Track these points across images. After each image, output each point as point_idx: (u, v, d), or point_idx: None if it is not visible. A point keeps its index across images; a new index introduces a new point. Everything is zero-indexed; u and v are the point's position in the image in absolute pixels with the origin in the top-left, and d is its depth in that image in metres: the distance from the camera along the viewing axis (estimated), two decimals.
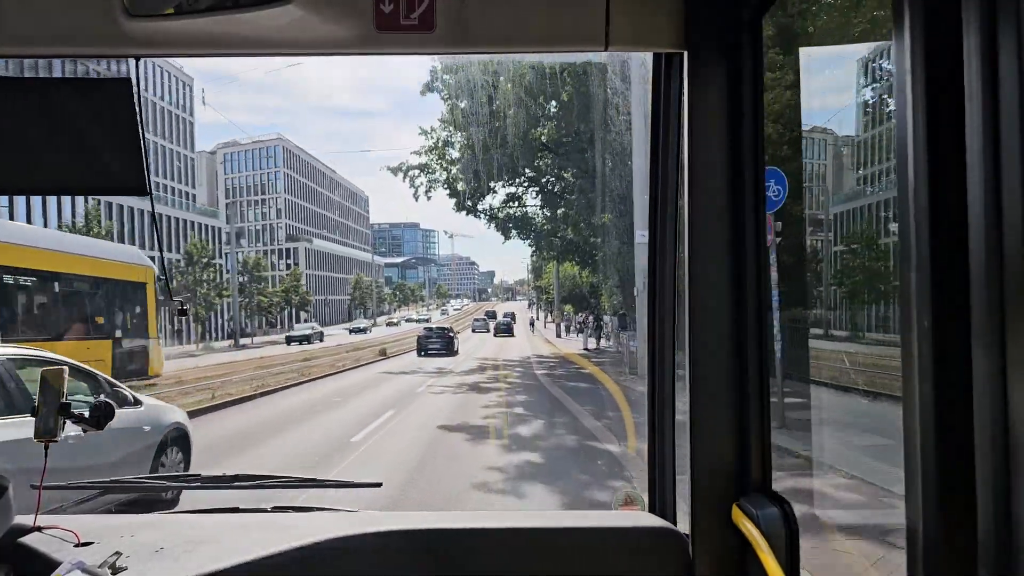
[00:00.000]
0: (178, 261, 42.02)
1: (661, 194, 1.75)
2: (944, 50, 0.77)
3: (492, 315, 68.74)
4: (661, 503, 1.80)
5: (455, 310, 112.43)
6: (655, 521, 1.72)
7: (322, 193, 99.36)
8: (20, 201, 34.11)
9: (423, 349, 27.14)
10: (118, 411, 3.45)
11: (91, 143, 1.41)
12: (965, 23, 0.72)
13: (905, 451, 0.85)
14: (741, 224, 1.47)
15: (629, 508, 1.98)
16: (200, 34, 1.40)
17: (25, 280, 11.81)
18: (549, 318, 64.22)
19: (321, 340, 41.16)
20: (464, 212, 25.45)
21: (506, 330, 48.63)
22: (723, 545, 1.51)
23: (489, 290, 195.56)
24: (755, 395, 1.48)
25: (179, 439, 6.36)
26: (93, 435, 4.09)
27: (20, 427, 4.31)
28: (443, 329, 30.44)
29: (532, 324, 57.79)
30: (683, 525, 1.63)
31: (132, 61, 1.47)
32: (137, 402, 5.91)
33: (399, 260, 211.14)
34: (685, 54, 1.49)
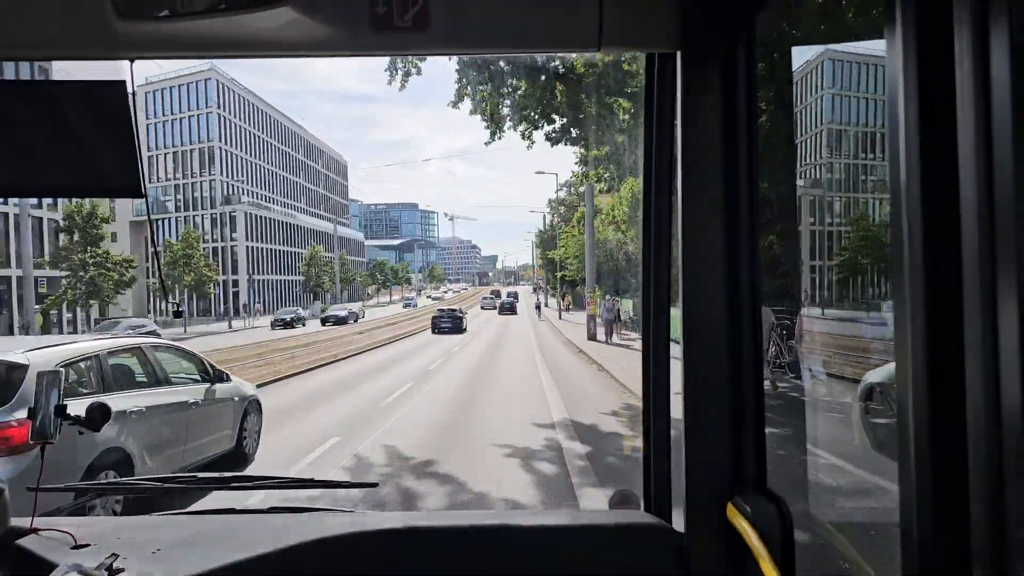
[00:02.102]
0: None
1: (655, 193, 1.76)
2: (936, 49, 0.82)
3: (497, 294, 75.82)
4: (656, 501, 1.82)
5: (432, 298, 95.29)
6: (650, 519, 1.75)
7: (278, 148, 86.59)
8: None
9: (436, 328, 34.15)
10: (219, 385, 8.24)
11: (86, 145, 1.43)
12: (957, 22, 0.78)
13: (899, 449, 0.89)
14: (735, 223, 1.50)
15: (624, 506, 1.98)
16: (194, 36, 1.44)
17: None
18: (563, 304, 54.55)
19: None
20: None
21: (510, 308, 55.71)
22: (718, 543, 1.53)
23: (491, 274, 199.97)
24: (750, 393, 1.51)
25: (255, 408, 8.59)
26: (213, 401, 7.75)
27: (146, 398, 6.67)
28: (453, 310, 37.60)
29: (539, 308, 51.97)
30: (678, 523, 1.65)
31: (126, 63, 1.50)
32: (229, 379, 8.08)
33: (396, 242, 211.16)
34: (679, 54, 1.53)
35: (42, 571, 1.44)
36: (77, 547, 1.62)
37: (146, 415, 6.36)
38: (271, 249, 69.62)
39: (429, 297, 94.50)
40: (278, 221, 71.09)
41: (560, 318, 45.69)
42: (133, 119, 1.35)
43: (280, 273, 70.89)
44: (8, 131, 1.37)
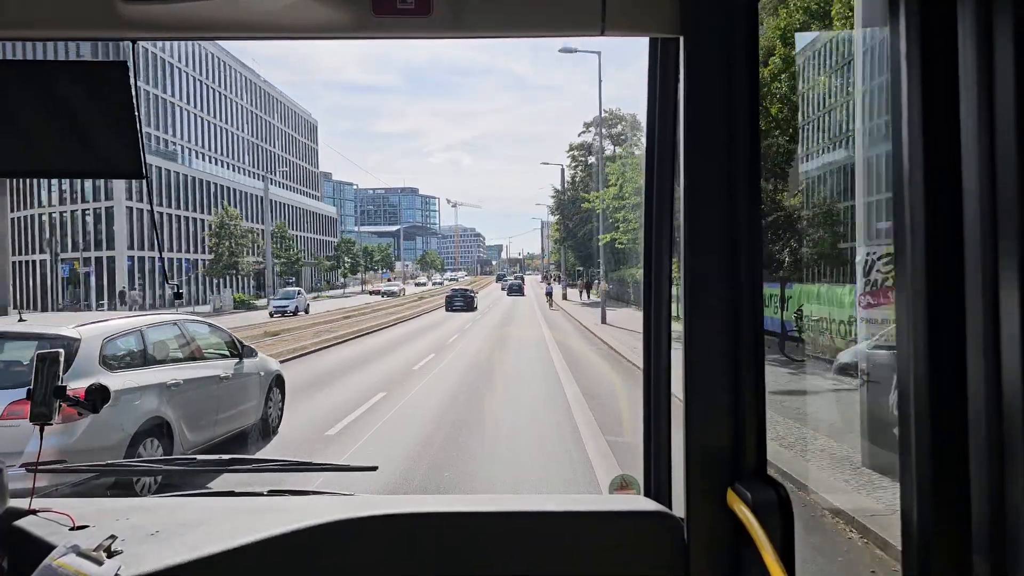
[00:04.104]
0: None
1: (657, 179, 1.88)
2: (939, 34, 0.83)
3: (505, 278, 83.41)
4: (656, 487, 1.90)
5: (383, 293, 62.53)
6: (650, 505, 1.81)
7: (209, 87, 62.89)
8: None
9: (450, 306, 38.38)
10: (247, 360, 8.67)
11: (87, 126, 1.48)
12: (960, 5, 0.80)
13: (900, 439, 0.91)
14: (737, 208, 1.56)
15: (624, 492, 2.04)
16: (197, 18, 1.48)
17: None
18: (590, 295, 43.42)
19: None
20: None
21: (518, 290, 56.62)
22: (718, 529, 1.58)
23: (494, 263, 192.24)
24: (750, 379, 1.57)
25: (279, 383, 9.77)
26: (242, 376, 8.39)
27: (182, 371, 7.75)
28: (466, 290, 41.93)
29: (550, 296, 44.12)
30: (678, 509, 1.74)
31: (129, 44, 1.59)
32: (256, 354, 9.37)
33: (394, 228, 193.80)
34: (681, 39, 1.59)
35: (40, 552, 1.52)
36: (75, 528, 1.71)
37: (183, 387, 7.19)
38: (176, 216, 46.60)
39: (377, 293, 62.83)
40: (185, 177, 47.82)
41: (604, 321, 25.55)
42: (135, 100, 1.45)
43: (187, 250, 47.74)
44: (9, 112, 1.44)
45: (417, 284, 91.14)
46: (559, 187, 54.93)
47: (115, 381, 6.23)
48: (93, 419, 5.35)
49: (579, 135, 52.96)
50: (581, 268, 56.95)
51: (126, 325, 6.93)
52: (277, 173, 74.74)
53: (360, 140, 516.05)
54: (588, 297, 50.67)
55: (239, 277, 50.57)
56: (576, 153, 53.20)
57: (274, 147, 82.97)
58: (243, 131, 74.01)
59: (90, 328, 6.40)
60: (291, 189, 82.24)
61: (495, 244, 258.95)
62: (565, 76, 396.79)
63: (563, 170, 54.64)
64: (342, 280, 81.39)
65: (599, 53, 38.00)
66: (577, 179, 52.66)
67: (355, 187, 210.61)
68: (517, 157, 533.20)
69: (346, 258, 77.53)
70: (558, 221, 56.04)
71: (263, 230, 53.78)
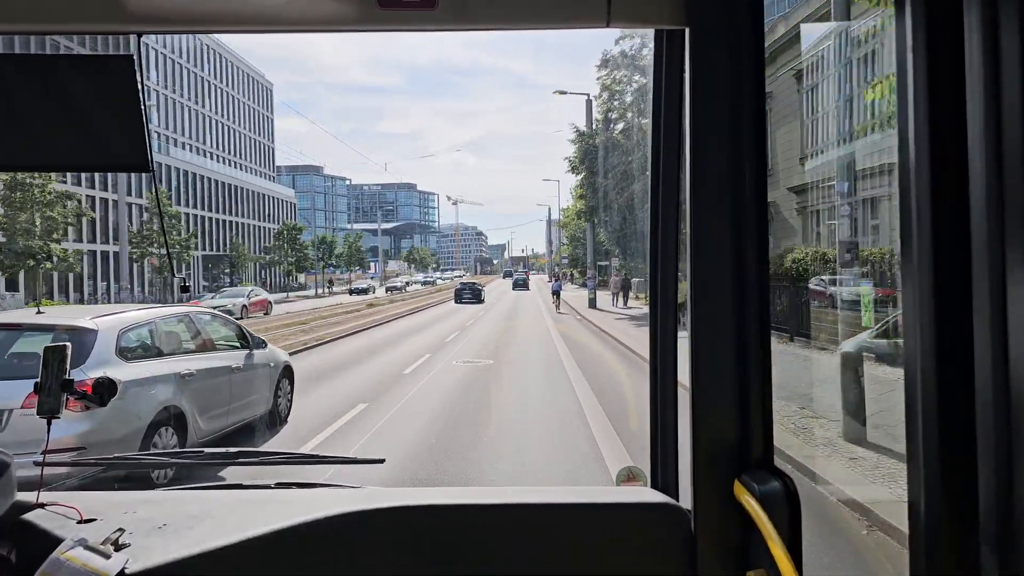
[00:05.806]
0: None
1: (664, 169, 1.90)
2: (945, 25, 0.83)
3: (510, 274, 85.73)
4: (663, 479, 1.94)
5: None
6: (657, 497, 1.84)
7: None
8: None
9: (459, 298, 39.36)
10: (257, 352, 8.88)
11: (93, 120, 1.50)
12: (966, 4, 0.84)
13: (908, 431, 0.92)
14: (742, 200, 1.60)
15: (632, 484, 2.06)
16: (202, 11, 1.53)
17: None
18: (627, 300, 31.36)
19: None
20: None
21: (522, 285, 59.30)
22: (725, 520, 1.61)
23: (496, 262, 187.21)
24: (756, 371, 1.61)
25: (288, 374, 10.31)
26: (252, 366, 8.60)
27: (195, 362, 8.30)
28: (474, 284, 41.97)
29: (557, 295, 34.47)
30: (685, 500, 1.79)
31: (133, 38, 1.62)
32: (266, 345, 10.01)
33: (389, 226, 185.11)
34: (687, 30, 1.62)
35: (47, 546, 1.56)
36: (83, 522, 1.74)
37: (196, 377, 7.45)
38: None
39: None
40: None
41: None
42: (140, 94, 1.48)
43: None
44: (15, 106, 1.46)
45: (354, 291, 54.28)
46: (583, 127, 33.22)
47: (131, 371, 6.52)
48: (110, 408, 5.71)
49: (616, 41, 32.62)
50: (606, 262, 38.39)
51: (140, 317, 7.35)
52: (213, 142, 56.31)
53: (362, 140, 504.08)
54: (625, 303, 32.12)
55: (54, 273, 31.95)
56: (607, 77, 31.70)
57: (203, 107, 66.91)
58: (173, 89, 58.22)
59: (107, 320, 6.72)
60: (227, 162, 66.42)
61: (498, 244, 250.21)
62: (566, 74, 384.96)
63: (589, 102, 33.49)
64: (297, 282, 60.73)
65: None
66: (613, 115, 31.91)
67: (348, 182, 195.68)
68: (519, 157, 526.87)
69: (289, 250, 54.28)
70: (582, 182, 34.85)
71: (115, 201, 36.03)
